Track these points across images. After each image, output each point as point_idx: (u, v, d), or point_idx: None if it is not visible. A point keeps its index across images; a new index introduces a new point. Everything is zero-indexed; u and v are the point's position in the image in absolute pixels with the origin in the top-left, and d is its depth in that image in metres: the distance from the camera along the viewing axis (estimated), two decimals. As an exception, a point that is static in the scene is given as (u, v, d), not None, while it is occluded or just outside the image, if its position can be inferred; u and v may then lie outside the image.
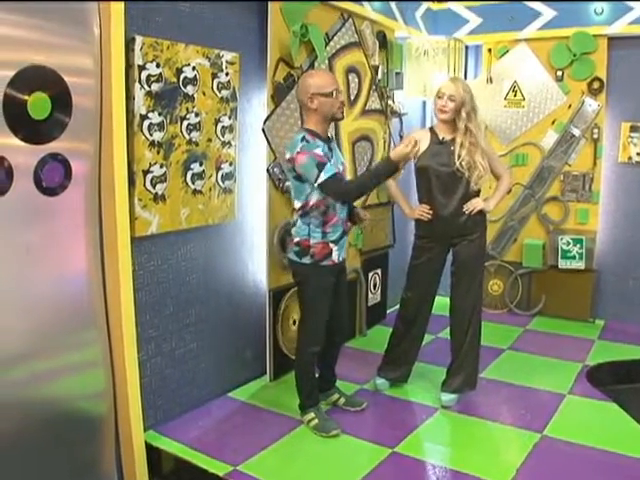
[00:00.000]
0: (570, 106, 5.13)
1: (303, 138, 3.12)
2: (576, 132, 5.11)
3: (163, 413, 3.39)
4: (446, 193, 3.55)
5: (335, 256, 3.30)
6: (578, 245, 5.06)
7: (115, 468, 3.11)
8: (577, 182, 5.18)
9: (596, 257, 5.18)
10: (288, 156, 3.18)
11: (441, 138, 3.58)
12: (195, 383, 3.59)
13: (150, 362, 3.28)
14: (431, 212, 3.60)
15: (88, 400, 2.99)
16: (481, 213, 3.63)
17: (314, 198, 3.19)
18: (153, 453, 3.18)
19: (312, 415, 3.41)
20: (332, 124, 4.19)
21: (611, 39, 4.91)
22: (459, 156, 3.49)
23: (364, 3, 4.46)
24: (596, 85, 5.00)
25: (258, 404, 3.68)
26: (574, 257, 5.09)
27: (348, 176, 3.63)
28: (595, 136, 5.05)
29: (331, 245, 3.27)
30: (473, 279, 3.70)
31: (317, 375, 3.62)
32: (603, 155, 5.10)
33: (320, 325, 3.37)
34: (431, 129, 3.67)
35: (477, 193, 3.62)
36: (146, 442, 3.17)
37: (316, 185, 3.11)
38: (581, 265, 5.09)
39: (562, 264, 5.15)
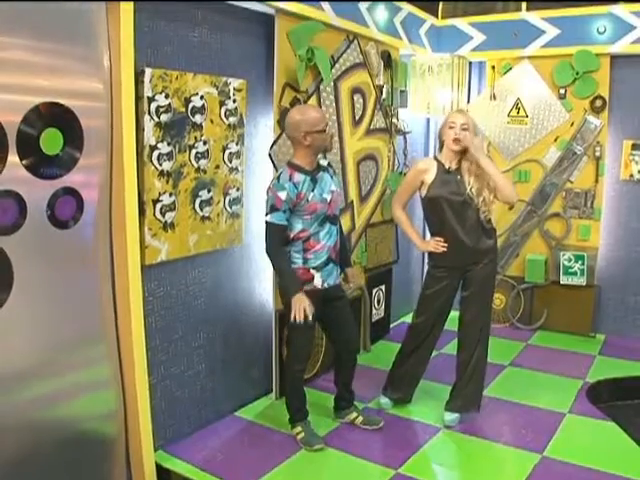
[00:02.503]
0: (573, 124, 5.19)
1: (279, 175, 3.30)
2: (578, 149, 5.17)
3: (172, 433, 3.48)
4: (460, 221, 3.60)
5: (318, 282, 3.39)
6: (580, 262, 5.14)
7: (126, 489, 3.21)
8: (579, 199, 5.24)
9: (597, 273, 5.25)
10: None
11: (448, 167, 3.64)
12: (203, 403, 3.67)
13: (160, 385, 3.36)
14: (446, 244, 3.65)
15: (100, 421, 3.07)
16: (492, 237, 3.71)
17: (296, 228, 3.32)
18: (163, 473, 3.26)
19: (299, 429, 3.55)
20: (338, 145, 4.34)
21: (614, 58, 4.97)
22: (469, 183, 3.57)
23: (369, 24, 4.52)
24: (598, 103, 5.06)
25: (265, 423, 3.76)
26: (575, 273, 5.17)
27: (342, 203, 3.79)
28: (597, 153, 5.11)
29: (312, 271, 3.37)
30: (484, 302, 3.76)
31: (335, 394, 3.79)
32: (605, 172, 5.16)
33: (304, 346, 3.51)
34: (436, 159, 3.72)
35: (489, 221, 3.68)
36: (156, 462, 3.25)
37: (264, 219, 3.29)
38: (582, 281, 5.17)
39: (564, 280, 5.22)
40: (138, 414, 3.14)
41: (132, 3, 2.87)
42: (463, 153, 3.61)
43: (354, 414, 3.76)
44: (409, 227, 3.91)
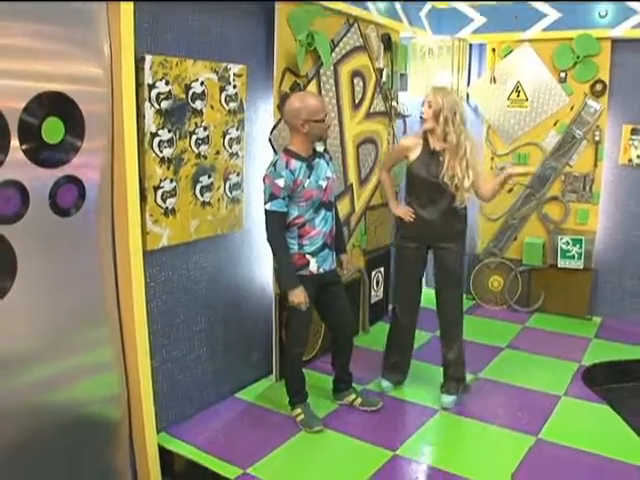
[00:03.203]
0: (572, 107, 5.19)
1: (275, 162, 3.32)
2: (578, 133, 5.18)
3: (174, 415, 3.54)
4: (432, 201, 3.68)
5: (313, 267, 3.44)
6: (577, 245, 5.17)
7: (130, 470, 3.26)
8: (578, 183, 5.26)
9: (595, 256, 5.29)
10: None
11: (432, 148, 3.66)
12: (204, 385, 3.74)
13: (162, 368, 3.42)
14: (414, 216, 3.74)
15: (103, 404, 3.12)
16: (460, 224, 3.79)
17: (292, 215, 3.35)
18: (165, 455, 3.33)
19: (299, 411, 3.62)
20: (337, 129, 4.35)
21: (615, 42, 4.96)
22: (445, 169, 3.59)
23: (370, 6, 4.51)
24: (599, 87, 5.06)
25: (265, 405, 3.83)
26: (573, 257, 5.21)
27: (341, 186, 3.87)
28: (597, 138, 5.12)
29: (308, 257, 3.42)
30: (455, 284, 3.86)
31: (333, 376, 3.85)
32: (604, 157, 5.17)
33: (301, 329, 3.58)
34: (425, 136, 3.71)
35: (463, 207, 3.74)
36: (158, 444, 3.31)
37: (263, 207, 3.32)
38: (580, 265, 5.21)
39: (561, 263, 5.27)
40: (141, 397, 3.19)
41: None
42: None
43: (352, 396, 3.82)
44: (389, 188, 4.03)
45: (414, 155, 3.71)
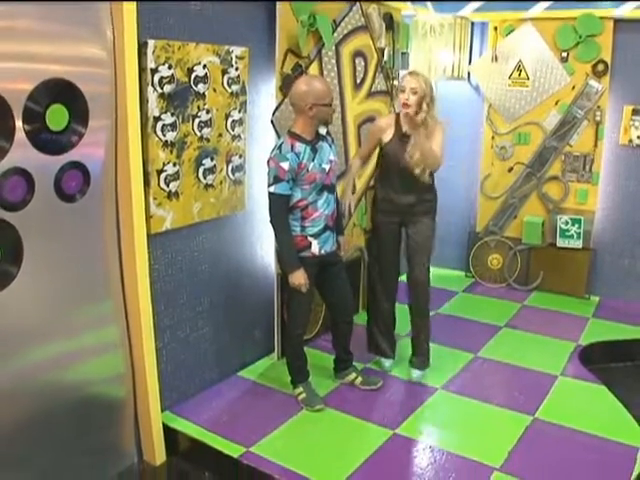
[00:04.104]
0: (574, 87, 5.18)
1: (280, 145, 3.33)
2: (579, 113, 5.18)
3: (178, 394, 3.61)
4: (400, 179, 3.76)
5: (315, 249, 3.48)
6: (576, 225, 5.22)
7: (135, 449, 3.34)
8: (578, 163, 5.27)
9: (593, 236, 5.33)
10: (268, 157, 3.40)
11: (404, 131, 3.72)
12: (207, 365, 3.80)
13: (166, 349, 3.48)
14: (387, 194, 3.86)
15: (109, 383, 3.18)
16: (431, 200, 3.86)
17: (295, 197, 3.38)
18: (170, 434, 3.41)
19: (300, 389, 3.70)
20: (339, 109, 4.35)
21: (617, 22, 4.93)
22: (412, 152, 3.65)
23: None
24: (600, 67, 5.04)
25: (267, 383, 3.91)
26: (572, 236, 5.25)
27: (342, 166, 3.94)
28: (597, 118, 5.12)
29: (310, 238, 3.46)
30: (425, 260, 3.90)
31: (334, 357, 3.92)
32: (604, 137, 5.18)
33: (302, 310, 3.63)
34: (397, 119, 3.79)
35: (430, 185, 3.84)
36: (163, 423, 3.39)
37: (267, 189, 3.34)
38: (579, 244, 5.26)
39: (560, 243, 5.31)
40: (146, 376, 3.26)
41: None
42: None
43: (353, 375, 3.90)
44: (351, 176, 4.07)
45: (387, 137, 3.80)
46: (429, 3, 5.27)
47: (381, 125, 3.88)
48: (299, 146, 3.33)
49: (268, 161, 3.36)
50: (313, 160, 3.36)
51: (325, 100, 3.31)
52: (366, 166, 4.81)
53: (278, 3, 3.73)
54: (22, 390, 2.74)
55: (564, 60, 5.17)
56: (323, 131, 3.52)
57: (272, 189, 3.32)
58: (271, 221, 3.41)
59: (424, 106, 3.58)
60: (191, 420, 3.48)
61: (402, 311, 4.13)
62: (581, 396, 3.83)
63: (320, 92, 3.30)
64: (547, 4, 5.03)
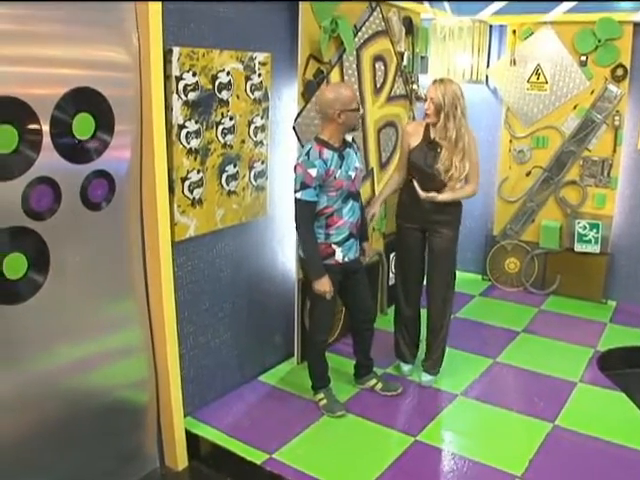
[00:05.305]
0: (593, 92, 5.16)
1: (308, 152, 3.33)
2: (597, 118, 5.16)
3: (199, 399, 3.63)
4: (425, 188, 3.71)
5: (339, 257, 3.49)
6: (594, 230, 5.20)
7: (157, 453, 3.37)
8: (596, 167, 5.25)
9: (611, 241, 5.31)
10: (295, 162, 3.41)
11: (432, 137, 3.72)
12: (228, 369, 3.82)
13: (188, 355, 3.49)
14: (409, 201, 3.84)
15: (133, 388, 3.21)
16: (453, 212, 3.84)
17: (321, 204, 3.39)
18: (192, 439, 3.42)
19: (322, 396, 3.71)
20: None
21: (637, 26, 4.90)
22: (441, 160, 3.66)
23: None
24: (620, 72, 5.02)
25: (287, 388, 3.92)
26: (590, 241, 5.24)
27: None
28: (616, 123, 5.09)
29: (334, 246, 3.46)
30: (445, 272, 3.92)
31: (354, 361, 3.93)
32: (623, 142, 5.16)
33: (325, 317, 3.64)
34: (427, 125, 3.78)
35: None
36: (185, 429, 3.40)
37: (294, 195, 3.35)
38: (597, 249, 5.24)
39: (578, 247, 5.30)
40: (169, 381, 3.28)
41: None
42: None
43: (373, 380, 3.91)
44: (385, 189, 4.13)
45: (415, 142, 3.79)
46: (447, 5, 5.24)
47: (408, 130, 3.89)
48: (327, 153, 3.33)
49: (295, 167, 3.36)
50: (340, 167, 3.36)
51: (352, 105, 3.32)
52: (385, 171, 4.84)
53: (301, 9, 3.73)
54: (47, 395, 2.77)
55: (583, 64, 5.15)
56: (349, 138, 3.53)
57: (299, 195, 3.32)
58: (297, 228, 3.41)
59: (442, 115, 3.59)
60: (213, 425, 3.50)
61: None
62: (600, 403, 3.83)
63: (347, 98, 3.31)
64: (566, 7, 5.00)
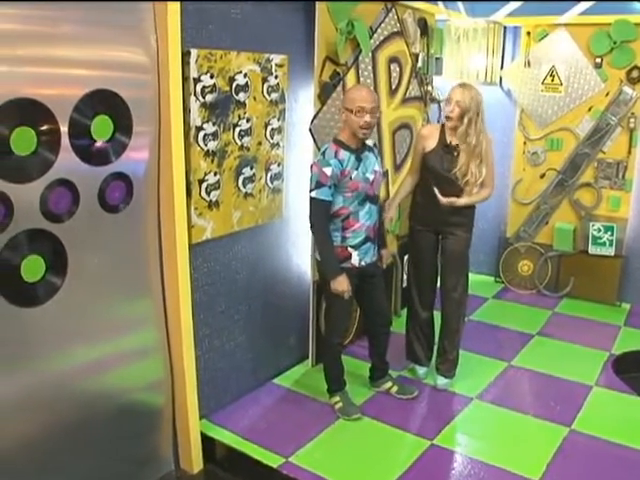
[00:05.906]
0: (608, 94, 5.14)
1: (324, 151, 3.34)
2: (612, 120, 5.14)
3: (215, 402, 3.62)
4: (441, 192, 3.69)
5: (355, 260, 3.47)
6: (609, 232, 5.18)
7: (172, 456, 3.36)
8: (611, 169, 5.23)
9: (625, 243, 5.29)
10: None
11: (449, 142, 3.71)
12: (243, 372, 3.81)
13: (204, 357, 3.49)
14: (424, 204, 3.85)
15: (149, 390, 3.21)
16: (467, 214, 3.82)
17: (337, 205, 3.37)
18: (207, 442, 3.41)
19: (337, 399, 3.69)
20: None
21: (652, 28, 4.89)
22: (458, 165, 3.66)
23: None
24: (635, 74, 5.00)
25: (302, 391, 3.91)
26: (604, 244, 5.22)
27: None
28: (631, 125, 5.07)
29: (350, 250, 3.45)
30: (459, 274, 3.91)
31: (370, 364, 3.92)
32: (638, 144, 5.13)
33: (341, 319, 3.63)
34: (442, 128, 3.77)
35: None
36: (200, 432, 3.40)
37: (309, 194, 3.34)
38: (611, 252, 5.23)
39: (592, 250, 5.28)
40: (185, 384, 3.27)
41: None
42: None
43: (389, 383, 3.90)
44: (399, 192, 4.13)
45: (430, 146, 3.77)
46: (461, 5, 5.22)
47: (423, 133, 3.87)
48: (343, 153, 3.33)
49: (311, 166, 3.37)
50: (357, 169, 3.35)
51: (350, 105, 3.30)
52: (399, 173, 4.83)
53: (317, 11, 3.72)
54: (63, 396, 2.78)
55: (598, 66, 5.13)
56: (371, 142, 3.51)
57: (314, 194, 3.31)
58: (312, 227, 3.40)
59: (465, 120, 3.57)
60: (228, 428, 3.49)
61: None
62: (616, 407, 3.81)
63: (353, 96, 3.33)
64: (581, 9, 4.98)
